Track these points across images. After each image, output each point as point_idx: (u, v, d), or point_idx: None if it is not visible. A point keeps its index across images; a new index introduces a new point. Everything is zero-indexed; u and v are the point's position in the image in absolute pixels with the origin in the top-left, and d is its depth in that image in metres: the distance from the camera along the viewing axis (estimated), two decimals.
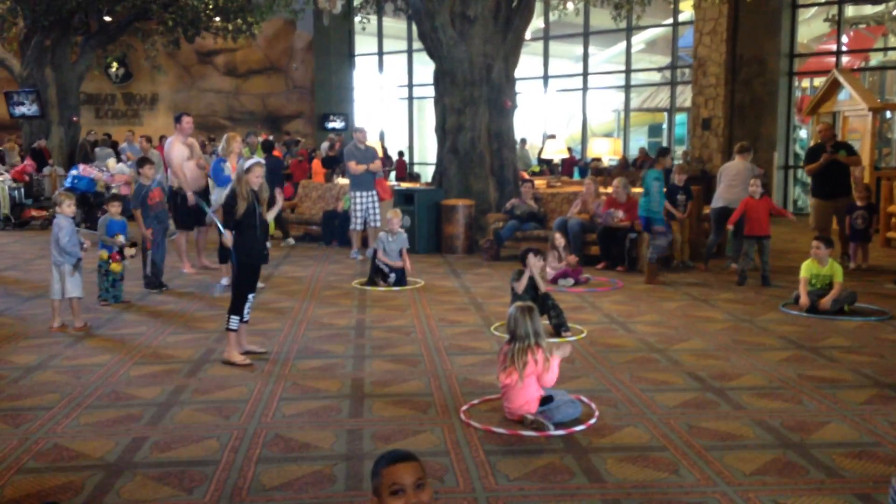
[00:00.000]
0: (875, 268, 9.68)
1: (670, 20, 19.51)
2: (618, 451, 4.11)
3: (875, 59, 19.09)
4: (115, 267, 7.72)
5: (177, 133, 9.48)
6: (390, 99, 23.93)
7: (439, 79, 12.06)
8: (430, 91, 12.92)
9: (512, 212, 10.75)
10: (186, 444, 4.24)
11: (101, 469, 3.91)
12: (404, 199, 11.47)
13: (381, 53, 23.58)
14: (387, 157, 20.57)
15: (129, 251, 7.73)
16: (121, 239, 7.67)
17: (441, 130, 12.14)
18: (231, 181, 8.76)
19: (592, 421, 4.49)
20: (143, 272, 8.50)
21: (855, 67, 17.81)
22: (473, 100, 11.71)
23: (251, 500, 3.58)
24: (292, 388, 5.22)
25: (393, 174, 20.07)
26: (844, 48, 17.39)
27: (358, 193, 10.68)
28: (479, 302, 8.01)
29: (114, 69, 22.60)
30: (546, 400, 4.56)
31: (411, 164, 22.26)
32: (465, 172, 11.78)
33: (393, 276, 8.69)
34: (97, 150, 17.66)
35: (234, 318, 5.77)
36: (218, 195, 9.01)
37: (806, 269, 7.50)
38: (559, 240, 8.88)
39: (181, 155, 9.28)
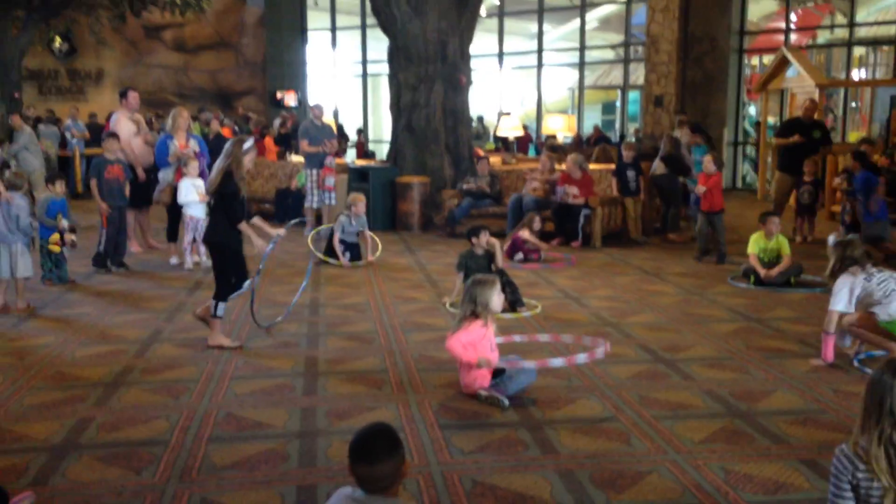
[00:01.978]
0: (820, 241, 9.90)
1: None
2: (571, 423, 4.15)
3: (822, 37, 19.42)
4: (54, 248, 7.50)
5: (122, 108, 9.23)
6: (344, 76, 23.64)
7: (394, 55, 11.94)
8: (385, 68, 12.78)
9: (467, 190, 10.73)
10: (134, 424, 4.16)
11: (46, 451, 3.81)
12: (359, 177, 11.37)
13: (334, 29, 23.24)
14: (342, 135, 20.35)
15: (69, 237, 7.49)
16: (63, 223, 7.45)
17: (396, 107, 12.04)
18: (171, 163, 8.61)
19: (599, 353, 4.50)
20: (97, 249, 8.28)
21: (803, 45, 18.10)
22: (428, 76, 11.62)
23: (202, 479, 3.53)
24: (244, 366, 5.15)
25: (353, 152, 19.86)
26: (793, 26, 17.66)
27: (315, 171, 10.56)
28: (435, 279, 7.99)
29: (57, 44, 21.88)
30: (498, 372, 4.56)
31: (366, 141, 22.06)
32: (421, 150, 11.71)
33: (348, 255, 8.63)
34: (41, 127, 17.13)
35: (221, 305, 5.54)
36: (164, 174, 8.81)
37: (754, 243, 7.63)
38: (536, 223, 8.91)
39: (128, 131, 9.04)
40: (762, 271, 7.42)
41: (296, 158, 12.83)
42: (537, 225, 8.94)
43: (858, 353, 5.17)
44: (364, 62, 22.81)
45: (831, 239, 5.16)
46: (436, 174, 11.58)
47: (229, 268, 5.57)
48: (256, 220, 5.79)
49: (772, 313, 6.49)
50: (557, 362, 4.51)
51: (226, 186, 5.40)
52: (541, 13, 20.20)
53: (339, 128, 19.35)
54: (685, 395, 4.56)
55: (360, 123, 22.47)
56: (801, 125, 10.05)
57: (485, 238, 6.83)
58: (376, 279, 7.95)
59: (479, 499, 3.32)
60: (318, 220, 10.80)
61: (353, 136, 20.77)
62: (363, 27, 22.62)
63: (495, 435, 4.00)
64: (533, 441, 3.92)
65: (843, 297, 4.90)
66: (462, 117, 12.03)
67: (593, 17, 21.45)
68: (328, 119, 13.14)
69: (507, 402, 4.36)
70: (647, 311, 6.62)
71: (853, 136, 15.16)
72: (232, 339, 5.64)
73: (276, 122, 17.92)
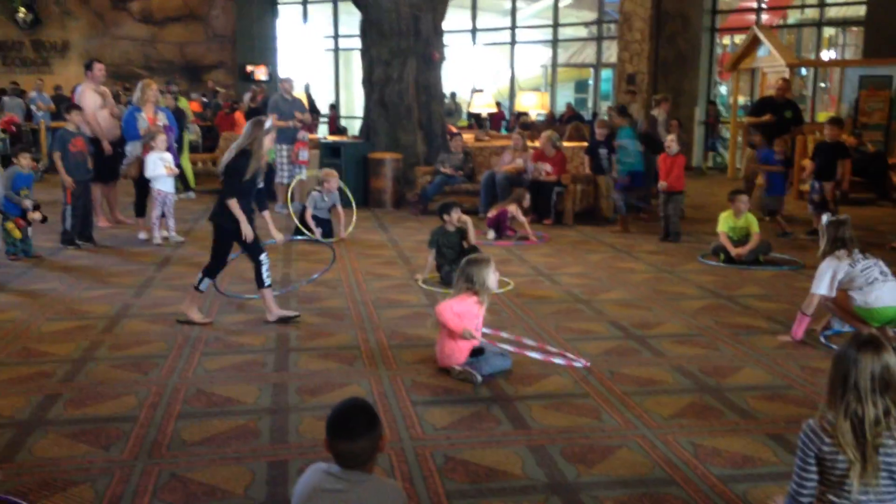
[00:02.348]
0: (789, 219, 10.02)
1: None
2: (543, 399, 4.17)
3: (793, 17, 19.56)
4: (13, 230, 7.32)
5: (88, 81, 9.02)
6: (315, 50, 23.35)
7: (366, 30, 11.80)
8: (357, 42, 12.64)
9: (440, 166, 10.69)
10: (103, 400, 4.10)
11: (12, 427, 3.76)
12: (331, 153, 11.26)
13: (305, 2, 22.92)
14: (314, 110, 20.12)
15: (33, 216, 7.33)
16: (26, 203, 7.29)
17: (368, 83, 11.92)
18: (141, 136, 8.45)
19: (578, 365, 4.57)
20: (63, 226, 8.12)
21: (774, 25, 18.21)
22: (401, 51, 11.50)
23: (171, 455, 3.50)
24: (215, 342, 5.10)
25: (325, 127, 19.67)
26: (764, 5, 17.74)
27: (285, 146, 10.43)
28: (407, 255, 7.97)
29: (21, 15, 21.33)
30: (477, 352, 4.57)
31: (338, 117, 21.86)
32: (393, 126, 11.62)
33: (320, 230, 8.56)
34: (5, 99, 16.75)
35: (206, 280, 5.47)
36: (132, 147, 8.66)
37: (723, 221, 7.69)
38: (526, 201, 8.92)
39: (94, 103, 8.85)
40: (732, 249, 7.49)
41: None
42: (527, 202, 8.96)
43: (826, 329, 5.25)
44: (336, 36, 22.54)
45: (825, 218, 5.18)
46: (409, 150, 11.51)
47: (222, 246, 5.50)
48: (266, 214, 5.77)
49: (741, 290, 6.56)
50: (535, 355, 4.54)
51: (234, 162, 5.31)
52: None
53: (311, 102, 19.14)
54: (655, 370, 4.61)
55: (332, 99, 22.25)
56: (774, 104, 10.12)
57: (456, 215, 6.81)
58: (349, 256, 7.90)
59: (451, 474, 3.33)
60: (293, 197, 10.69)
61: (325, 111, 20.57)
62: (335, 1, 22.33)
63: (467, 410, 4.01)
64: (505, 416, 3.94)
65: (825, 282, 4.93)
66: (435, 93, 11.95)
67: None
68: (299, 93, 12.98)
69: (479, 378, 4.37)
70: (619, 288, 6.66)
71: (822, 116, 15.32)
72: (203, 315, 5.58)
73: (247, 96, 17.68)
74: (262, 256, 5.50)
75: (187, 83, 21.29)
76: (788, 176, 10.26)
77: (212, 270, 5.51)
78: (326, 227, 8.64)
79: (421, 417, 3.92)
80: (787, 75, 13.37)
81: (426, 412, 3.98)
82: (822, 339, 5.14)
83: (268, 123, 5.44)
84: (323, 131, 18.93)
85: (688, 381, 4.45)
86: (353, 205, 9.19)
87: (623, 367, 4.65)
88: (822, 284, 4.94)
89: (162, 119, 8.76)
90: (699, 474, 3.33)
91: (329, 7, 22.63)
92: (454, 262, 6.70)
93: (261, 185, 5.60)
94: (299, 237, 8.26)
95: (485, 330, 4.82)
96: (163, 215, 8.39)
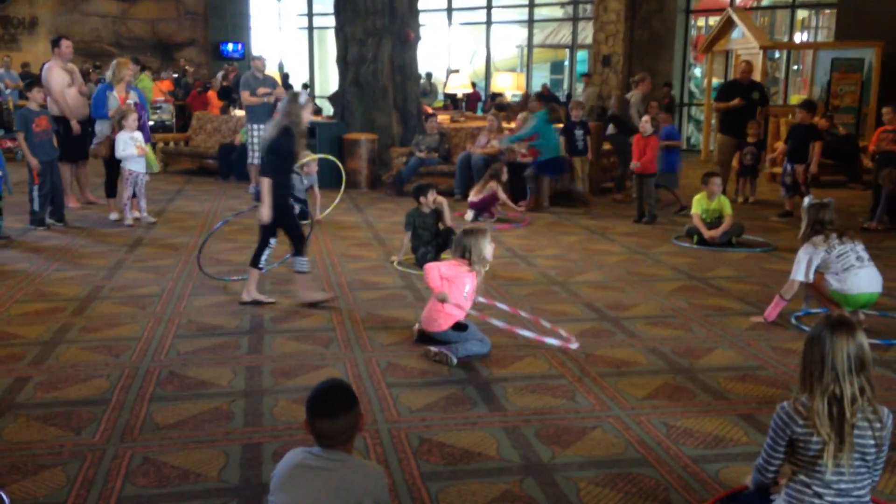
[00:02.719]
0: (762, 202, 10.12)
1: None
2: (517, 381, 4.18)
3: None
4: None
5: (55, 58, 8.85)
6: (289, 28, 23.08)
7: (341, 8, 11.67)
8: (332, 21, 12.49)
9: (416, 149, 10.63)
10: (73, 383, 4.05)
11: None
12: (306, 133, 11.14)
13: None
14: (287, 88, 19.90)
15: None
16: None
17: (343, 62, 11.81)
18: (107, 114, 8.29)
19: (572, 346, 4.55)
20: (31, 207, 7.98)
21: (748, 7, 18.28)
22: (376, 30, 11.40)
23: (144, 438, 3.47)
24: (188, 325, 5.06)
25: None
26: None
27: (255, 126, 10.30)
28: (382, 237, 7.94)
29: None
30: (461, 327, 4.59)
31: (313, 97, 21.66)
32: (369, 106, 11.53)
33: (297, 208, 8.47)
34: None
35: (303, 259, 5.44)
36: (101, 126, 8.51)
37: (697, 204, 7.74)
38: (504, 174, 8.91)
39: (61, 81, 8.69)
40: (705, 232, 7.55)
41: (240, 113, 12.52)
42: (505, 176, 8.93)
43: (797, 311, 5.32)
44: (310, 14, 22.29)
45: (806, 201, 5.20)
46: (384, 131, 11.44)
47: (289, 221, 5.42)
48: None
49: (714, 272, 6.62)
50: (527, 333, 4.54)
51: (277, 140, 5.20)
52: None
53: (285, 80, 18.95)
54: (629, 352, 4.64)
55: (306, 78, 22.03)
56: (740, 87, 10.16)
57: (432, 197, 6.79)
58: (324, 237, 7.86)
59: (427, 455, 3.33)
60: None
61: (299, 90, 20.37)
62: None
63: (443, 392, 4.02)
64: (480, 398, 3.95)
65: (801, 268, 4.95)
66: (410, 73, 11.86)
67: None
68: (272, 71, 12.82)
69: (455, 359, 4.38)
70: (593, 269, 6.69)
71: (795, 99, 15.45)
72: (267, 295, 5.57)
73: (219, 74, 17.47)
74: (272, 240, 5.50)
75: (158, 61, 20.98)
76: (761, 158, 10.35)
77: (298, 246, 5.43)
78: (303, 206, 8.55)
79: (396, 399, 3.91)
80: (760, 57, 13.45)
81: (401, 394, 3.98)
82: (793, 321, 5.21)
83: (303, 97, 5.33)
84: None
85: (661, 362, 4.49)
86: (344, 179, 8.96)
87: (597, 349, 4.68)
88: (800, 271, 4.97)
89: (133, 98, 8.62)
90: (672, 455, 3.36)
91: None
92: (430, 244, 6.70)
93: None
94: None
95: (480, 299, 4.85)
96: (134, 195, 8.27)
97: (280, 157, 5.23)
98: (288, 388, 4.05)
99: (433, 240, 6.72)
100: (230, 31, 22.43)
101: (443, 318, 4.55)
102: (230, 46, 21.75)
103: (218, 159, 12.05)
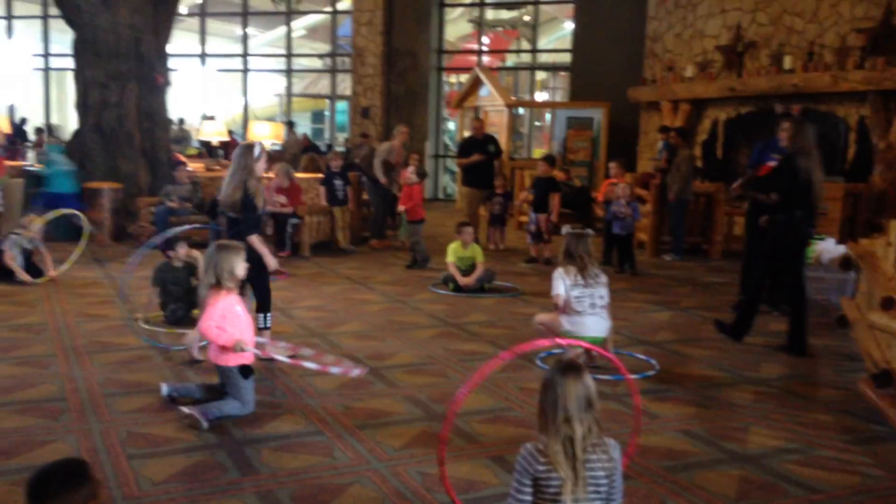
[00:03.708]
0: (511, 248, 10.75)
1: (329, 8, 19.78)
2: (273, 441, 4.01)
3: (511, 60, 21.24)
4: None
5: None
6: (23, 69, 21.15)
7: (80, 50, 10.91)
8: (71, 62, 11.62)
9: (167, 197, 10.09)
10: None
11: None
12: (38, 183, 10.18)
13: (9, 17, 20.75)
14: (20, 131, 18.21)
15: None
16: None
17: (83, 107, 10.99)
18: None
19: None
20: None
21: (494, 67, 19.63)
22: (121, 74, 10.77)
23: None
24: None
25: (33, 155, 17.77)
26: (485, 48, 19.09)
27: None
28: (127, 293, 7.37)
29: None
30: (247, 371, 4.34)
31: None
32: (112, 153, 10.81)
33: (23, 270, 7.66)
34: None
35: (267, 316, 5.53)
36: None
37: (452, 252, 8.05)
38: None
39: None
40: (460, 279, 7.85)
41: None
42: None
43: (540, 353, 5.63)
44: (46, 55, 20.65)
45: (565, 229, 5.52)
46: (130, 180, 10.76)
47: (263, 278, 5.40)
48: None
49: (467, 318, 6.87)
50: (312, 366, 4.36)
51: (245, 197, 5.21)
52: (245, 16, 19.77)
53: (16, 127, 17.34)
54: (388, 401, 4.64)
55: (42, 122, 20.26)
56: (476, 142, 10.76)
57: (183, 250, 6.43)
58: (57, 296, 7.15)
59: None
60: None
61: (32, 136, 18.63)
62: (45, 17, 20.47)
63: (191, 460, 3.75)
64: (232, 463, 3.73)
65: (559, 284, 5.25)
66: (159, 119, 11.32)
67: (300, 24, 21.45)
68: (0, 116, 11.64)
69: (205, 423, 4.11)
70: (354, 319, 6.68)
71: (537, 152, 16.74)
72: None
73: None
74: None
75: None
76: (509, 208, 11.01)
77: (265, 304, 5.48)
78: (34, 266, 7.74)
79: (138, 472, 3.59)
80: (506, 114, 14.44)
81: (143, 466, 3.66)
82: (538, 362, 5.51)
83: (256, 149, 5.23)
84: (31, 159, 17.12)
85: (418, 409, 4.53)
86: (86, 232, 8.23)
87: (357, 401, 4.63)
88: (559, 287, 5.25)
89: None
90: (427, 503, 3.37)
91: (38, 23, 20.69)
92: (181, 300, 6.33)
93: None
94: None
95: (260, 339, 4.68)
96: None
97: (255, 211, 5.30)
98: (9, 468, 3.56)
99: (185, 296, 6.34)
100: None
101: (231, 353, 4.29)
102: None
103: None
